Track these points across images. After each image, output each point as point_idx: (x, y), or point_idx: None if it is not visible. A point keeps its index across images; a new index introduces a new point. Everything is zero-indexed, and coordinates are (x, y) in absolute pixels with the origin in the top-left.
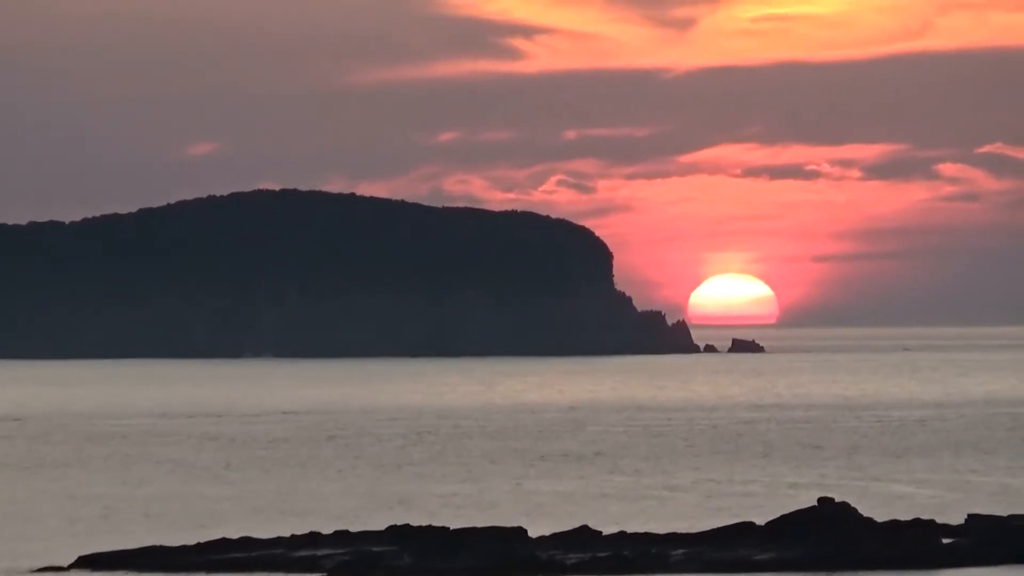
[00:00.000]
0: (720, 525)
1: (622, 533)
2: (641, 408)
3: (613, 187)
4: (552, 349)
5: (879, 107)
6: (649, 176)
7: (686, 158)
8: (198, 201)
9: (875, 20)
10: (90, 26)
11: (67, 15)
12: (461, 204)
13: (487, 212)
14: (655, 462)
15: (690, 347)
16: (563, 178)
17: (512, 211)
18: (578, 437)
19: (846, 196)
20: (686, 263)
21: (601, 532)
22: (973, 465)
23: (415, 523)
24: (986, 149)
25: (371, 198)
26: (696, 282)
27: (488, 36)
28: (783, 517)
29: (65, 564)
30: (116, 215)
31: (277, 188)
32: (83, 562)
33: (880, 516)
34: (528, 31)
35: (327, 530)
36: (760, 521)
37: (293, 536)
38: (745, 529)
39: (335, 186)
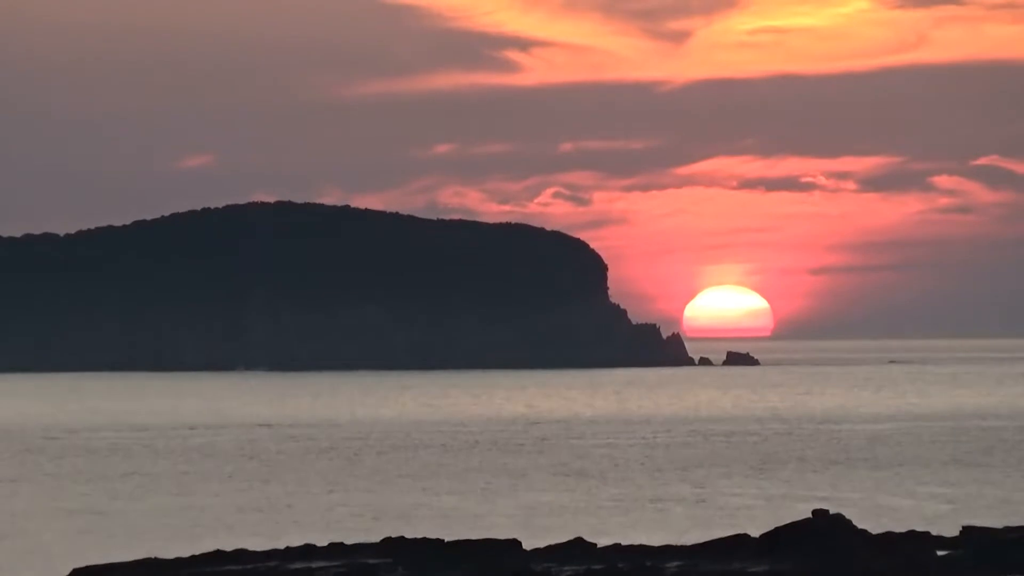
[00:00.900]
0: (715, 537)
1: (617, 545)
2: (636, 420)
3: (609, 199)
4: (546, 362)
5: (874, 120)
6: (644, 188)
7: (682, 170)
8: (192, 213)
9: (871, 33)
10: (85, 38)
11: (62, 27)
12: (456, 216)
13: (482, 224)
14: (650, 474)
15: (685, 360)
16: (558, 190)
17: (507, 223)
18: (572, 449)
19: (841, 208)
20: (681, 276)
21: (596, 544)
22: (967, 477)
23: (410, 535)
24: (981, 162)
25: (366, 210)
26: (691, 295)
27: (483, 49)
28: (777, 529)
29: None
30: (111, 227)
31: (272, 200)
32: (77, 575)
33: (875, 528)
34: (524, 44)
35: (322, 542)
36: (755, 533)
37: (288, 548)
38: (740, 541)
39: (330, 198)
